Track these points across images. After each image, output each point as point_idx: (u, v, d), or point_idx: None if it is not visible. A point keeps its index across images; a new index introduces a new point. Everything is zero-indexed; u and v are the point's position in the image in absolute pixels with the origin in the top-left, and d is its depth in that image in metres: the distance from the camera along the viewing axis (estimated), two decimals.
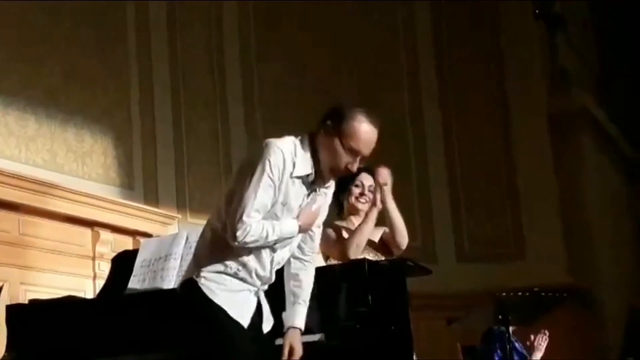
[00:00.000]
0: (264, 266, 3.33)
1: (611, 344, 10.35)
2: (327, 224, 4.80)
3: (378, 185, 4.68)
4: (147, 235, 6.89)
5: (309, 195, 3.36)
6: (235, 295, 3.28)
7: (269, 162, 3.20)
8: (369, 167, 4.87)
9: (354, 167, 3.35)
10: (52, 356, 4.19)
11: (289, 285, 3.50)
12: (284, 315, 3.50)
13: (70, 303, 4.54)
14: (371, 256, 4.55)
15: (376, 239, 4.78)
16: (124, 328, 4.06)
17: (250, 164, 3.25)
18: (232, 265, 3.28)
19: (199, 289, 3.25)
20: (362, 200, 4.78)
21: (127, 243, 6.96)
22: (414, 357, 4.16)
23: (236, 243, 3.20)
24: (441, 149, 10.66)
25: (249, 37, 9.49)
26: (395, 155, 9.41)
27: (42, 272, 6.40)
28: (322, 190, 3.42)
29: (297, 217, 3.31)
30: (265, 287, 3.42)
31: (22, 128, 6.87)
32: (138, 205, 7.34)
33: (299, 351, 3.39)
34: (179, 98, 8.45)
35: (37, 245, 6.45)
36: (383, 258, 4.64)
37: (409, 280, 4.16)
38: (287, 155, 3.24)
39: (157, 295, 4.09)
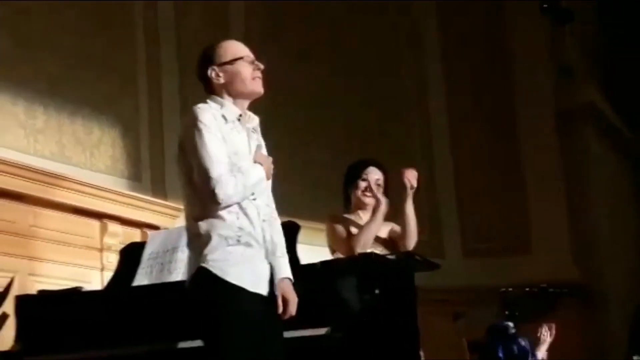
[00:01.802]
0: (253, 222, 3.32)
1: (617, 341, 10.34)
2: (334, 217, 4.84)
3: (402, 185, 4.69)
4: (154, 227, 6.90)
5: (248, 139, 3.43)
6: (246, 266, 3.27)
7: (201, 121, 3.27)
8: (378, 162, 4.89)
9: (259, 69, 3.47)
10: (60, 346, 4.20)
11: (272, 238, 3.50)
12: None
13: (78, 294, 4.55)
14: (378, 251, 4.56)
15: (384, 234, 4.79)
16: (132, 320, 4.08)
17: (188, 136, 3.30)
18: (229, 234, 3.26)
19: (210, 272, 3.22)
20: (368, 194, 4.79)
21: (135, 235, 6.97)
22: (420, 351, 4.18)
23: (220, 202, 3.21)
24: (448, 144, 10.67)
25: (255, 26, 9.48)
26: (401, 151, 9.45)
27: (50, 263, 6.40)
28: (254, 134, 3.49)
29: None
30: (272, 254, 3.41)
31: (30, 119, 6.88)
32: (146, 197, 7.35)
33: (293, 300, 3.37)
34: (186, 89, 8.44)
35: (46, 236, 6.46)
36: (390, 253, 4.64)
37: (416, 274, 4.17)
38: (213, 110, 3.35)
39: (168, 287, 4.10)
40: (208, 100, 3.43)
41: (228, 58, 3.43)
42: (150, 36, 8.28)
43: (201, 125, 3.27)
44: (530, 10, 10.69)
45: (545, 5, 10.63)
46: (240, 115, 3.43)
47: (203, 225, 3.28)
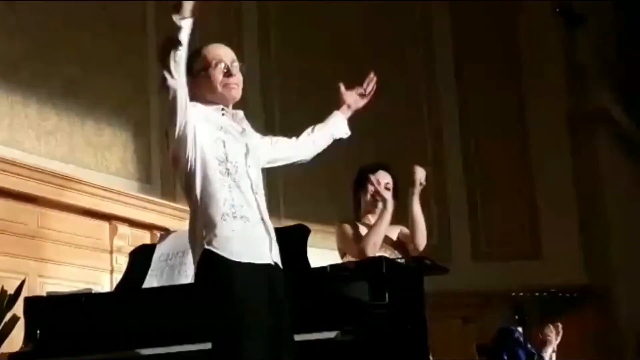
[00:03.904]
0: (246, 195, 3.31)
1: (626, 347, 10.31)
2: (344, 220, 4.84)
3: (411, 182, 4.69)
4: (164, 229, 6.90)
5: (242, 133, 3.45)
6: (247, 241, 3.24)
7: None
8: (388, 165, 4.89)
9: (233, 75, 3.45)
10: (69, 349, 4.20)
11: (310, 139, 3.86)
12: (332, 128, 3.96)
13: (87, 296, 4.55)
14: (388, 254, 4.56)
15: (394, 236, 4.79)
16: (142, 322, 4.08)
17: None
18: (225, 210, 3.24)
19: (213, 253, 3.19)
20: (377, 197, 4.78)
21: (144, 237, 6.98)
22: (430, 355, 4.17)
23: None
24: (458, 148, 10.65)
25: (268, 28, 9.49)
26: (411, 153, 9.42)
27: (59, 265, 6.42)
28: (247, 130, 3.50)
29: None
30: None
31: (42, 121, 6.90)
32: (156, 199, 7.36)
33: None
34: None
35: (55, 238, 6.47)
36: (400, 256, 4.64)
37: (425, 278, 4.16)
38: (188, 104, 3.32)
39: (178, 289, 4.09)
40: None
41: (194, 70, 3.42)
42: (160, 37, 8.28)
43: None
44: (543, 12, 10.67)
45: (557, 9, 10.60)
46: (223, 109, 3.44)
47: (197, 208, 3.26)
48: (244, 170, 3.36)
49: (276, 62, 9.48)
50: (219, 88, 3.43)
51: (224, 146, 3.34)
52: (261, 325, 3.16)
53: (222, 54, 3.48)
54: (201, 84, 3.43)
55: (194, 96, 3.39)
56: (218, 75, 3.43)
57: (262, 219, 3.35)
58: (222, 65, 3.45)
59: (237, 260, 3.20)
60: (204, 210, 3.26)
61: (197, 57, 3.45)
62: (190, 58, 3.35)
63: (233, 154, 3.36)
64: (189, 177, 3.29)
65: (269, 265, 3.29)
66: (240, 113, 3.51)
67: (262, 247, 3.30)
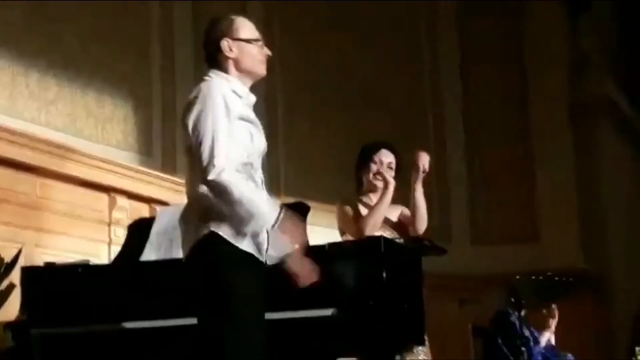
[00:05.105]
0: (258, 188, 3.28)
1: (622, 330, 10.35)
2: (345, 199, 4.83)
3: (415, 167, 4.68)
4: (163, 203, 6.89)
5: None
6: (254, 232, 3.20)
7: (211, 98, 3.22)
8: (391, 144, 4.87)
9: (267, 52, 3.44)
10: (65, 319, 4.21)
11: None
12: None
13: (85, 267, 4.55)
14: (387, 234, 4.55)
15: (394, 217, 4.78)
16: (139, 295, 4.08)
17: (194, 111, 3.23)
18: None
19: (220, 236, 3.14)
20: (379, 177, 4.77)
21: (143, 210, 6.97)
22: (425, 335, 4.17)
23: (208, 182, 3.10)
24: (461, 133, 10.65)
25: (274, 7, 9.42)
26: (413, 138, 9.41)
27: (57, 235, 6.41)
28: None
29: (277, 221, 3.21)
30: None
31: (43, 91, 6.87)
32: (155, 172, 7.34)
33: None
34: (200, 64, 8.39)
35: (54, 208, 6.46)
36: (399, 237, 4.63)
37: (424, 259, 4.16)
38: (222, 87, 3.29)
39: (176, 263, 4.08)
40: (212, 75, 3.38)
41: (243, 36, 3.40)
42: (165, 11, 8.25)
43: (211, 103, 3.21)
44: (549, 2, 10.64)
45: None
46: (249, 96, 3.42)
47: (206, 190, 3.16)
48: (259, 165, 3.35)
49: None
50: (257, 61, 3.43)
51: (252, 140, 3.31)
52: (254, 315, 3.16)
53: (254, 32, 3.47)
54: (242, 53, 3.39)
55: (228, 60, 3.38)
56: (260, 49, 3.43)
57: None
58: (261, 42, 3.46)
59: (243, 248, 3.17)
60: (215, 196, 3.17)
61: (239, 24, 3.43)
62: (230, 22, 3.40)
63: (257, 147, 3.33)
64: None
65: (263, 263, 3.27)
66: (254, 99, 3.47)
67: (263, 244, 3.26)
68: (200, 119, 3.20)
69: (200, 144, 3.15)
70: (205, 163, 3.11)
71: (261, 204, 3.17)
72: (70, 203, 6.60)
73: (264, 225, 3.18)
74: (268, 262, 3.26)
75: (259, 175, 3.35)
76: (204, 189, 3.15)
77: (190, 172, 3.31)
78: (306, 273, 3.28)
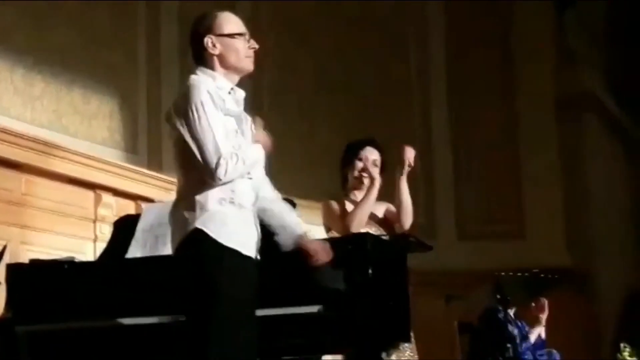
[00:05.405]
0: (248, 192, 3.31)
1: (607, 328, 10.39)
2: (331, 196, 4.83)
3: (400, 162, 4.68)
4: (149, 200, 6.89)
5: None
6: (241, 229, 3.24)
7: (199, 95, 3.21)
8: (376, 141, 4.87)
9: (253, 46, 3.42)
10: (51, 316, 4.19)
11: (267, 221, 3.48)
12: (282, 238, 3.48)
13: (70, 264, 4.53)
14: (373, 231, 4.55)
15: (380, 214, 4.79)
16: (125, 292, 4.07)
17: (183, 110, 3.23)
18: (223, 195, 3.23)
19: (206, 234, 3.17)
20: (365, 174, 4.77)
21: (129, 207, 6.96)
22: (411, 332, 4.18)
23: (219, 181, 3.16)
24: (446, 128, 10.65)
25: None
26: (399, 133, 9.41)
27: (43, 232, 6.40)
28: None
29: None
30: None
31: (28, 87, 6.85)
32: (141, 169, 7.33)
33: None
34: (186, 62, 8.37)
35: (39, 205, 6.44)
36: (385, 233, 4.64)
37: (409, 255, 4.16)
38: (208, 84, 3.28)
39: (161, 260, 4.08)
40: (198, 72, 3.38)
41: (227, 31, 3.39)
42: (151, 9, 8.24)
43: (199, 101, 3.21)
44: None
45: None
46: (232, 89, 3.40)
47: (195, 187, 3.22)
48: (247, 177, 3.33)
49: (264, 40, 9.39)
50: (242, 56, 3.41)
51: (240, 135, 3.32)
52: (239, 312, 3.16)
53: (244, 27, 3.46)
54: (227, 49, 3.38)
55: (213, 57, 3.37)
56: (245, 44, 3.41)
57: (254, 211, 3.35)
58: (247, 37, 3.43)
59: (228, 245, 3.18)
60: (201, 191, 3.22)
61: (222, 20, 3.41)
62: (213, 18, 3.39)
63: (247, 141, 3.34)
64: (193, 157, 3.21)
65: (253, 260, 3.28)
66: (242, 93, 3.46)
67: (253, 239, 3.29)
68: (193, 118, 3.20)
69: (199, 144, 3.18)
70: (212, 166, 3.15)
71: (250, 159, 3.25)
72: (56, 200, 6.58)
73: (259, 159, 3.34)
74: (283, 249, 3.42)
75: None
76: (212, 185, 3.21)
77: (182, 169, 3.31)
78: (322, 251, 3.43)
